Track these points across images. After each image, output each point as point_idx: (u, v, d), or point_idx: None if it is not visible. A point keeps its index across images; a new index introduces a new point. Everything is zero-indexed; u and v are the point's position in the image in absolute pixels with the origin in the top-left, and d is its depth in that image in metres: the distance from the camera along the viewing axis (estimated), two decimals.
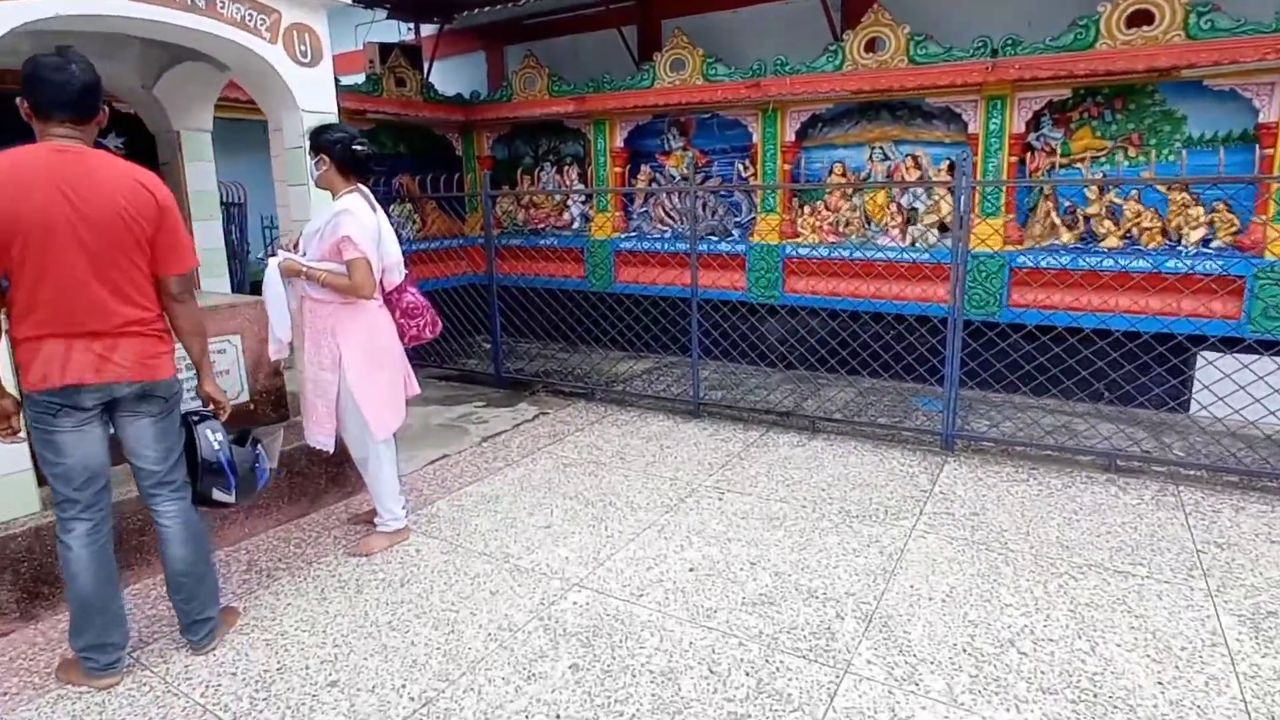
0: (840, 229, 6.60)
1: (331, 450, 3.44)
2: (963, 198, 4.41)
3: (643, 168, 7.54)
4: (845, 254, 6.13)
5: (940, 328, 5.03)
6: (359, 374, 3.29)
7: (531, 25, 8.95)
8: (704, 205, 7.27)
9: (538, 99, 7.64)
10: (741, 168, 7.01)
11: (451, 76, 9.54)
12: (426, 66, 8.77)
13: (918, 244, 6.23)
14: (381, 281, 3.43)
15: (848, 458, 4.62)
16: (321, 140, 3.29)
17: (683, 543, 3.53)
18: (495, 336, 6.35)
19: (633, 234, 7.61)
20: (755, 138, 6.73)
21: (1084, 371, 5.06)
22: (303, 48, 3.75)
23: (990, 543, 3.48)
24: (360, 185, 3.40)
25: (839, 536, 3.57)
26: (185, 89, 4.50)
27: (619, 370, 6.85)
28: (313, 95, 3.82)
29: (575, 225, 8.04)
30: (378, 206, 3.44)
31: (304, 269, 3.23)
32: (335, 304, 3.28)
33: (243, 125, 6.33)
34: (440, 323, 3.66)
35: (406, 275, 3.53)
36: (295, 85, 3.74)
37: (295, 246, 3.44)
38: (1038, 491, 4.05)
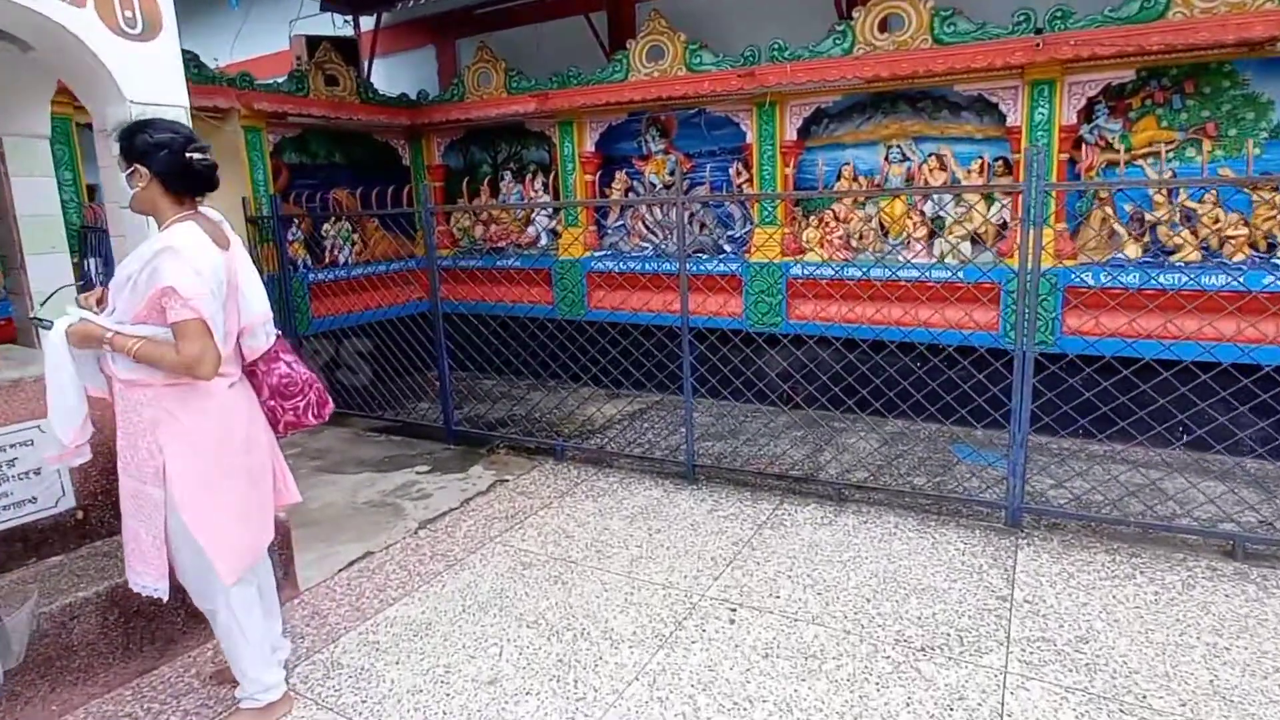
0: (852, 243, 5.59)
1: (165, 597, 2.33)
2: (1032, 204, 3.41)
3: (618, 175, 6.49)
4: (860, 273, 5.11)
5: (988, 360, 4.02)
6: (192, 491, 2.20)
7: (487, 14, 7.88)
8: (691, 218, 6.24)
9: (494, 98, 6.57)
10: (734, 173, 5.98)
11: (397, 75, 8.45)
12: (366, 64, 7.69)
13: (947, 259, 5.23)
14: (240, 348, 2.35)
15: (890, 542, 3.58)
16: (136, 144, 2.20)
17: (685, 706, 2.47)
18: (444, 381, 5.25)
19: (608, 252, 6.55)
20: (750, 137, 5.71)
21: (1153, 407, 4.05)
22: (128, 14, 2.66)
23: (1120, 695, 2.45)
24: (202, 210, 2.31)
25: (905, 688, 2.52)
26: (3, 82, 3.39)
27: (595, 415, 5.77)
28: (146, 80, 2.74)
29: (541, 243, 6.97)
30: (233, 239, 2.35)
31: (106, 335, 2.14)
32: (157, 386, 2.19)
33: None
34: (330, 401, 2.57)
35: (278, 338, 2.45)
36: (118, 66, 2.66)
37: (101, 301, 2.34)
38: (1153, 596, 3.03)
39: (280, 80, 6.13)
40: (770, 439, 5.04)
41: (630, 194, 6.46)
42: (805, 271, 5.52)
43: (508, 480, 4.59)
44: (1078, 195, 4.93)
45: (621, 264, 6.33)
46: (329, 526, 3.97)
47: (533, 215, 6.96)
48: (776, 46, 5.37)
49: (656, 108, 6.04)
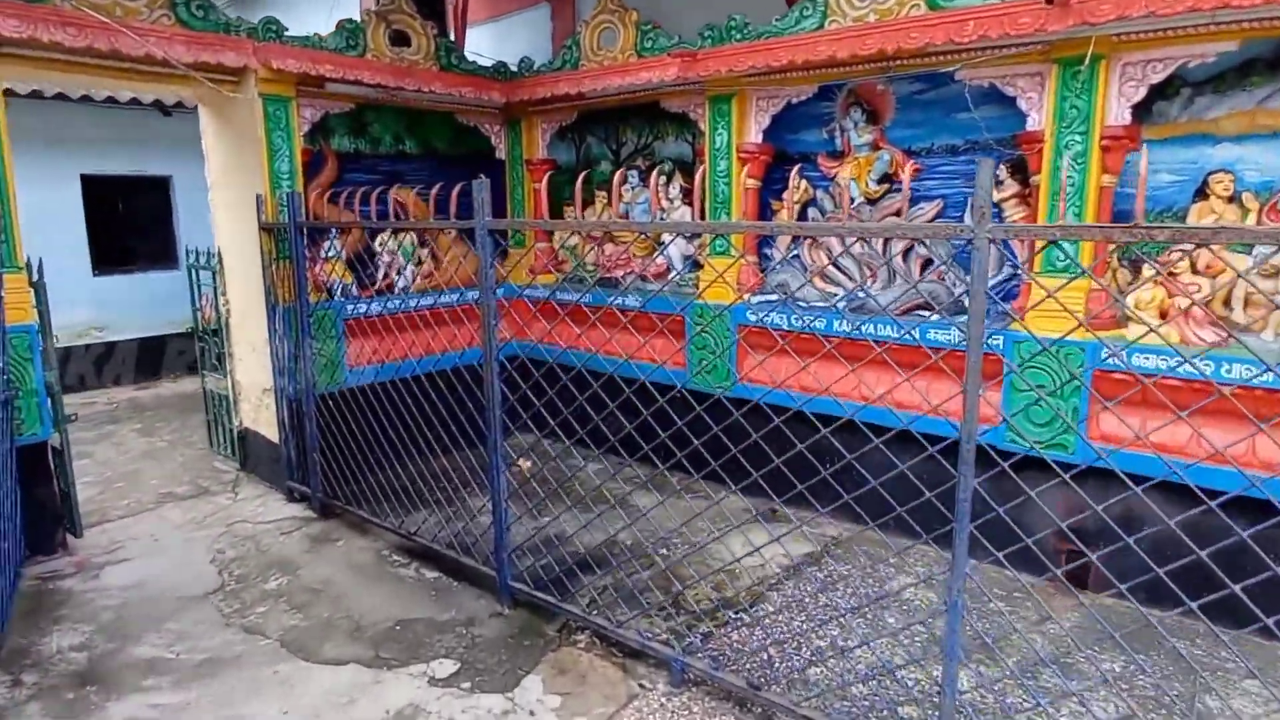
0: (1226, 312, 3.11)
1: None
2: None
3: (793, 179, 4.30)
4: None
5: None
6: None
7: None
8: (907, 254, 3.95)
9: (619, 63, 4.55)
10: (999, 179, 3.64)
11: (503, 46, 6.61)
12: (457, 27, 5.88)
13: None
14: None
15: None
16: None
17: None
18: (498, 506, 3.22)
19: (773, 298, 4.36)
20: (1037, 120, 3.35)
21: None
22: None
23: None
24: None
25: None
26: None
27: (740, 569, 3.59)
28: None
29: (675, 273, 4.87)
30: None
31: None
32: None
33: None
34: None
35: None
36: None
37: None
38: None
39: (324, 35, 4.38)
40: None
41: (814, 209, 4.25)
42: (1127, 356, 3.10)
43: None
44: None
45: (796, 319, 4.12)
46: None
47: (661, 236, 4.87)
48: None
49: (872, 73, 3.78)
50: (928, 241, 3.86)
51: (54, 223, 7.11)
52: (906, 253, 3.99)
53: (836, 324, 3.94)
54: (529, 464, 4.63)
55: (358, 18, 4.70)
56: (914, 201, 3.92)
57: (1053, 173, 3.22)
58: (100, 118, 7.14)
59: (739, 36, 3.99)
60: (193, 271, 4.99)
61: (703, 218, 4.63)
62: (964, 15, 3.14)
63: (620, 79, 4.45)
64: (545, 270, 5.39)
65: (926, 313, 3.79)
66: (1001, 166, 3.60)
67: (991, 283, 3.72)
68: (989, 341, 3.45)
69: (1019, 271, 3.57)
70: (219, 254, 4.72)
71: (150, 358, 7.72)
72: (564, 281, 5.37)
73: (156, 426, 6.17)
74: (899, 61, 3.56)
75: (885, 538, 2.45)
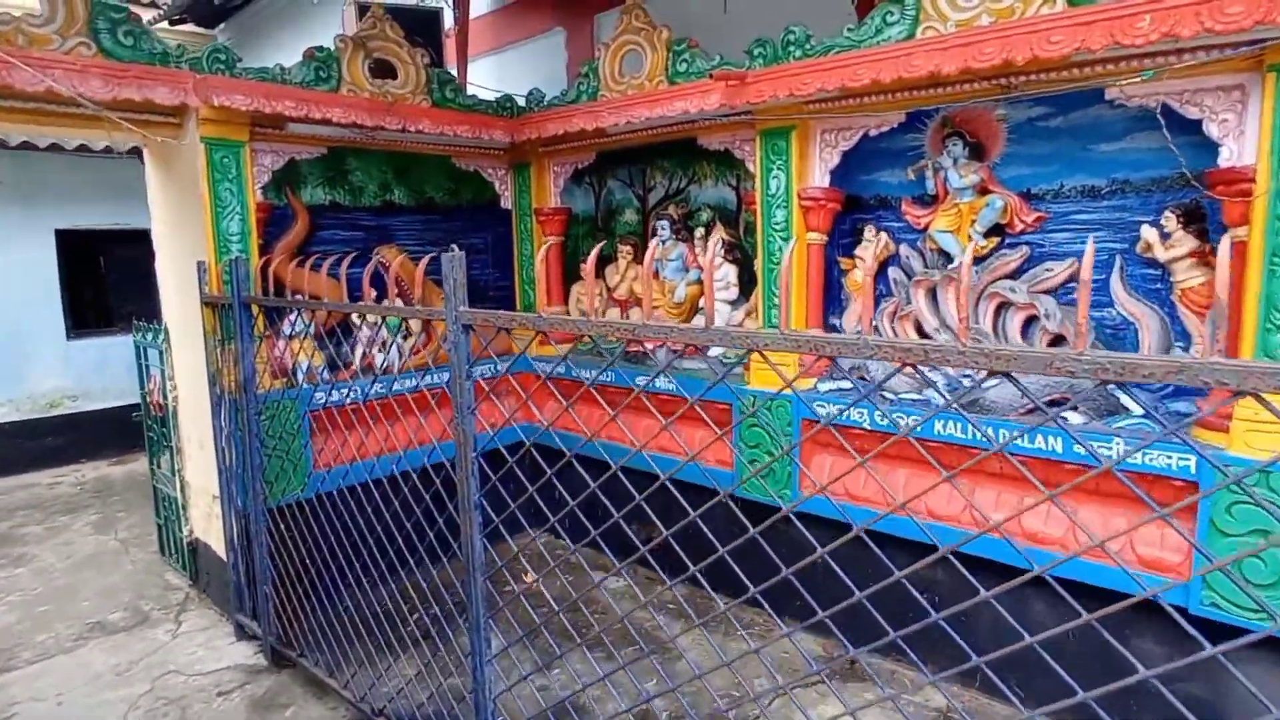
0: None
1: None
2: None
3: (868, 232, 3.38)
4: None
5: None
6: None
7: None
8: (1049, 315, 3.00)
9: (646, 92, 3.69)
10: (1146, 236, 2.67)
11: (511, 76, 5.83)
12: (459, 58, 5.11)
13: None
14: None
15: None
16: None
17: None
18: (478, 657, 2.27)
19: (843, 385, 3.41)
20: (1234, 150, 2.40)
21: None
22: None
23: None
24: None
25: None
26: None
27: None
28: None
29: (717, 351, 3.95)
30: None
31: None
32: None
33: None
34: None
35: None
36: None
37: None
38: None
39: (287, 66, 3.59)
40: None
41: (895, 268, 3.32)
42: None
43: None
44: None
45: (881, 415, 3.17)
46: None
47: (700, 300, 3.97)
48: None
49: (985, 94, 2.87)
50: (1056, 312, 2.90)
51: (24, 282, 6.44)
52: (1027, 325, 3.03)
53: (939, 425, 2.97)
54: (533, 579, 3.70)
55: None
56: (1037, 260, 2.98)
57: (1270, 225, 2.25)
58: (75, 166, 6.50)
59: (800, 53, 3.11)
60: (140, 349, 4.18)
61: (751, 281, 3.72)
62: (1133, 8, 2.22)
63: (648, 110, 3.58)
64: (561, 339, 4.51)
65: (1066, 412, 2.81)
66: (1168, 214, 2.64)
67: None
68: (1165, 461, 2.47)
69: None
70: (165, 330, 3.92)
71: (128, 428, 6.93)
72: (581, 353, 4.48)
73: (117, 517, 5.35)
74: (1028, 77, 2.64)
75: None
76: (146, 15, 8.32)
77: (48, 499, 5.84)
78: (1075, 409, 2.81)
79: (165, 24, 8.32)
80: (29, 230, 6.44)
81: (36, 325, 6.55)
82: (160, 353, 3.96)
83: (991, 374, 1.16)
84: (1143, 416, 2.67)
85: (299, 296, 3.70)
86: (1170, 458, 2.50)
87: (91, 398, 6.81)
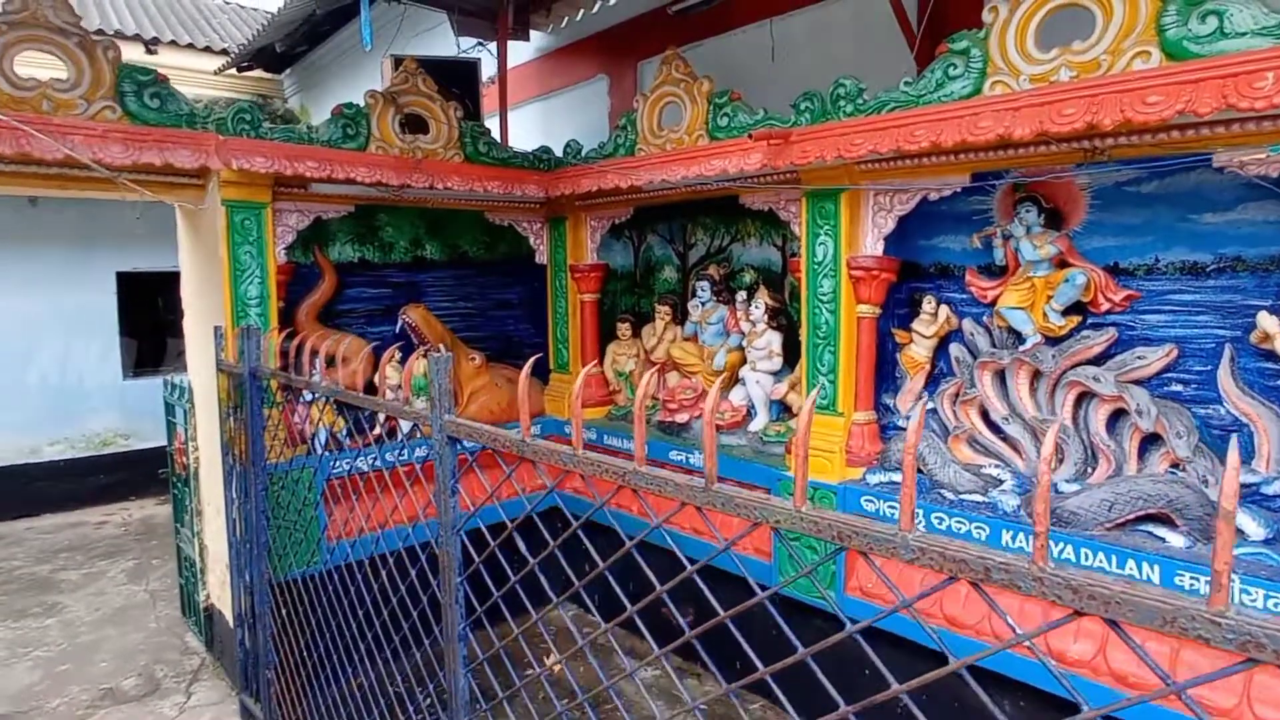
0: None
1: None
2: None
3: (928, 304, 3.02)
4: None
5: None
6: None
7: (689, 16, 4.81)
8: (1115, 418, 2.59)
9: (684, 148, 3.44)
10: (1264, 327, 2.26)
11: (560, 123, 5.68)
12: (501, 106, 4.98)
13: None
14: None
15: None
16: None
17: None
18: None
19: (897, 476, 3.05)
20: None
21: None
22: None
23: None
24: None
25: None
26: None
27: None
28: None
29: (758, 425, 3.62)
30: None
31: None
32: None
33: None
34: None
35: None
36: None
37: None
38: None
39: (314, 125, 3.49)
40: None
41: (957, 344, 2.96)
42: None
43: None
44: None
45: (939, 518, 2.79)
46: None
47: (740, 372, 3.66)
48: None
49: (1062, 159, 2.51)
50: (1150, 407, 2.49)
51: (85, 324, 6.60)
52: (1114, 420, 2.61)
53: (1007, 535, 2.58)
54: (554, 660, 3.41)
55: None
56: (1126, 344, 2.57)
57: None
58: (138, 211, 6.66)
59: (851, 108, 2.81)
60: (168, 405, 4.12)
61: (796, 352, 3.40)
62: (1252, 63, 1.85)
63: (684, 169, 3.33)
64: (595, 402, 4.26)
65: (1160, 529, 2.38)
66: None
67: None
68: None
69: None
70: (188, 391, 3.84)
71: None
72: (615, 418, 4.22)
73: (152, 564, 5.32)
74: (1117, 140, 2.28)
75: None
76: (217, 63, 8.60)
77: (92, 540, 5.89)
78: (1175, 526, 2.38)
79: (234, 70, 8.55)
80: (91, 272, 6.61)
81: (95, 365, 6.69)
82: (184, 411, 3.87)
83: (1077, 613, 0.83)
84: (1264, 542, 2.23)
85: (319, 359, 3.55)
86: None
87: (143, 436, 6.90)
